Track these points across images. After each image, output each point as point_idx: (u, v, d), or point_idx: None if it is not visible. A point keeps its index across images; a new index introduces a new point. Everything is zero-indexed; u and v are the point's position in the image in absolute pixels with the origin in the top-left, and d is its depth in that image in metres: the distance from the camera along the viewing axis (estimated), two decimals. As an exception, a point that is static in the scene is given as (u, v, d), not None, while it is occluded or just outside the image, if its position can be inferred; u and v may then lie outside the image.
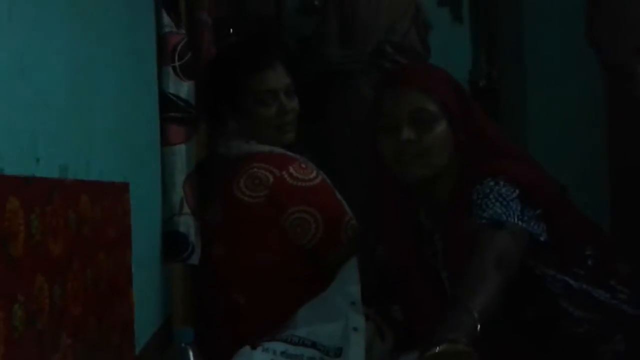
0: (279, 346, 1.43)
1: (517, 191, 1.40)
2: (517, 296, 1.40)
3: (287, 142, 1.84)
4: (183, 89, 1.58)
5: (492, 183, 1.41)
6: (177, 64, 1.57)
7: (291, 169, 1.75)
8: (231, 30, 2.61)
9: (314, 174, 1.78)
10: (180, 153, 1.57)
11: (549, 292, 1.44)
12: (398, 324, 1.63)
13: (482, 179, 1.42)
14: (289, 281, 1.73)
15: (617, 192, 2.47)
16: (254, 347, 1.43)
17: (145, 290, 1.36)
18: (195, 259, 1.61)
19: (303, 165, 1.78)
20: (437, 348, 1.07)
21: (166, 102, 1.55)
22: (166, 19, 1.55)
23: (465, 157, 1.50)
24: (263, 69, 1.83)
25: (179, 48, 1.57)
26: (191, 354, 1.22)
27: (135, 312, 1.24)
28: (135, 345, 1.24)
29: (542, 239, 1.40)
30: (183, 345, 1.22)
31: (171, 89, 1.55)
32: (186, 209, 1.57)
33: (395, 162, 1.49)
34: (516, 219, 1.36)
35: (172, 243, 1.56)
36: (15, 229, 0.73)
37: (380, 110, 1.51)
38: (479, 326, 1.15)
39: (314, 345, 1.43)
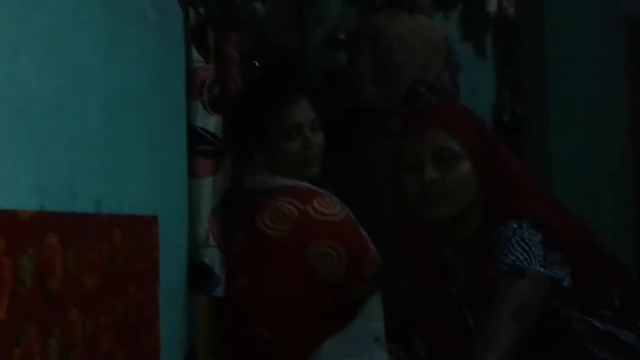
0: (303, 380, 1.44)
1: (541, 235, 1.40)
2: (543, 336, 1.39)
3: (312, 176, 1.86)
4: (211, 122, 1.60)
5: (515, 226, 1.41)
6: (205, 98, 1.59)
7: (315, 203, 1.76)
8: (257, 63, 2.65)
9: (339, 208, 1.78)
10: (207, 186, 1.59)
11: (574, 333, 1.43)
12: (421, 359, 1.62)
13: (506, 220, 1.42)
14: (312, 315, 1.73)
15: None
16: (277, 381, 1.43)
17: (171, 322, 1.38)
18: (220, 291, 1.62)
19: (327, 200, 1.79)
20: None
21: (194, 136, 1.58)
22: (195, 54, 1.59)
23: (489, 195, 1.51)
24: (288, 104, 1.85)
25: (207, 82, 1.60)
26: (216, 387, 1.23)
27: (161, 343, 1.25)
28: (161, 377, 1.25)
29: (565, 284, 1.39)
30: (208, 378, 1.23)
31: (199, 122, 1.58)
32: (212, 241, 1.59)
33: (419, 201, 1.49)
34: (538, 266, 1.36)
35: (198, 275, 1.57)
36: (53, 264, 0.75)
37: (404, 149, 1.52)
38: None
39: (337, 380, 1.43)
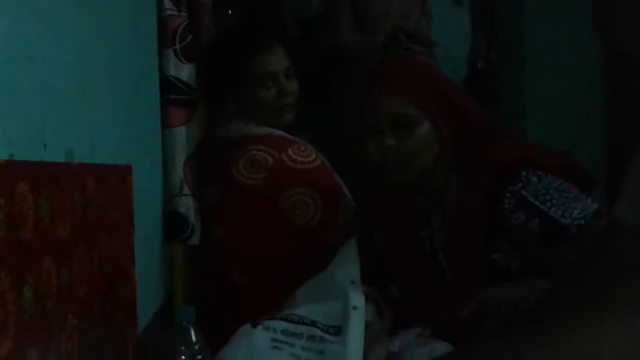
0: (279, 325, 1.45)
1: (557, 178, 1.44)
2: None
3: (286, 124, 1.86)
4: (184, 71, 1.59)
5: (534, 179, 1.44)
6: (177, 46, 1.58)
7: (290, 151, 1.77)
8: (230, 11, 2.61)
9: (313, 156, 1.79)
10: (181, 135, 1.59)
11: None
12: (396, 302, 1.65)
13: (510, 170, 1.44)
14: (288, 262, 1.75)
15: (614, 175, 2.49)
16: (254, 326, 1.45)
17: (147, 271, 1.39)
18: (195, 240, 1.63)
19: (302, 148, 1.79)
20: None
21: (167, 85, 1.56)
22: (167, 2, 1.56)
23: (463, 147, 1.52)
24: (262, 52, 1.84)
25: (179, 31, 1.58)
26: (192, 333, 1.24)
27: (137, 292, 1.27)
28: (137, 325, 1.26)
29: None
30: (184, 324, 1.24)
31: (172, 71, 1.57)
32: (186, 190, 1.59)
33: (382, 167, 1.52)
34: (592, 204, 1.41)
35: (173, 224, 1.58)
36: (24, 213, 0.75)
37: (360, 116, 1.53)
38: None
39: (313, 323, 1.45)
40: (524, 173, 1.44)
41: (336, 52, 2.69)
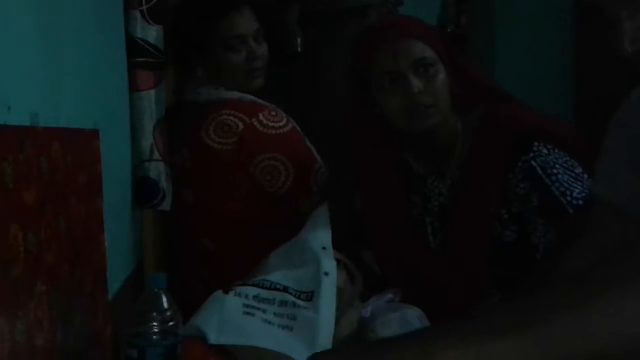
0: (252, 291, 1.45)
1: (565, 154, 1.45)
2: None
3: (256, 88, 1.83)
4: (151, 33, 1.55)
5: (545, 151, 1.44)
6: (144, 7, 1.53)
7: (261, 117, 1.74)
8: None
9: (284, 121, 1.77)
10: (150, 99, 1.56)
11: None
12: (368, 268, 1.66)
13: (524, 139, 1.44)
14: (260, 229, 1.75)
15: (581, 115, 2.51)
16: (226, 292, 1.44)
17: (117, 237, 1.37)
18: (166, 205, 1.61)
19: (273, 113, 1.77)
20: None
21: (134, 48, 1.53)
22: (132, -39, 1.52)
23: (462, 101, 1.51)
24: (231, 14, 1.80)
25: (146, -9, 1.54)
26: (164, 299, 1.23)
27: (107, 258, 1.25)
28: (108, 291, 1.25)
29: None
30: (156, 290, 1.23)
31: (139, 33, 1.53)
32: (156, 155, 1.56)
33: (406, 116, 1.48)
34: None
35: (143, 189, 1.56)
36: (-12, 178, 0.73)
37: (376, 66, 1.49)
38: None
39: (285, 289, 1.45)
40: (536, 144, 1.45)
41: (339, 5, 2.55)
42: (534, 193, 1.45)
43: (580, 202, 1.42)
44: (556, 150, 1.46)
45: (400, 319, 1.39)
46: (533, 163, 1.44)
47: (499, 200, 1.48)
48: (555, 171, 1.44)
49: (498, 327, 0.75)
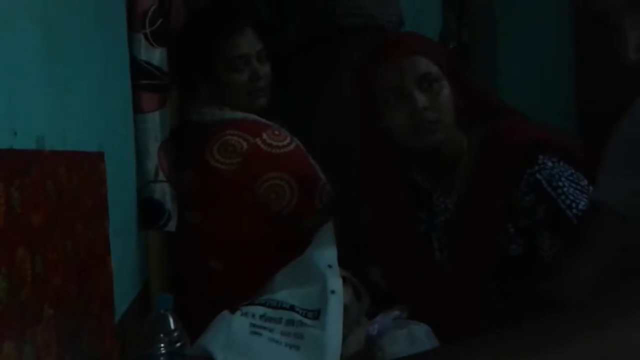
0: (258, 310, 1.45)
1: (571, 167, 1.46)
2: None
3: (259, 108, 1.84)
4: (155, 55, 1.56)
5: (550, 164, 1.45)
6: (148, 30, 1.55)
7: (265, 136, 1.75)
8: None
9: (288, 140, 1.78)
10: (154, 121, 1.57)
11: None
12: (374, 285, 1.65)
13: (527, 153, 1.45)
14: (266, 248, 1.75)
15: (585, 150, 2.51)
16: (232, 312, 1.44)
17: (123, 259, 1.37)
18: (172, 226, 1.61)
19: (276, 132, 1.78)
20: None
21: (138, 70, 1.54)
22: (135, -16, 1.54)
23: (466, 116, 1.52)
24: (234, 35, 1.82)
25: (149, 14, 1.55)
26: (171, 320, 1.23)
27: (114, 280, 1.25)
28: (114, 313, 1.25)
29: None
30: (162, 311, 1.23)
31: (143, 56, 1.54)
32: (161, 176, 1.57)
33: (409, 131, 1.48)
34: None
35: (149, 210, 1.56)
36: (-4, 202, 0.73)
37: (381, 82, 1.49)
38: None
39: (292, 308, 1.44)
40: (540, 157, 1.45)
41: (362, 21, 2.53)
42: (539, 206, 1.45)
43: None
44: (561, 163, 1.46)
45: (407, 335, 1.39)
46: (538, 176, 1.44)
47: (504, 214, 1.48)
48: (560, 184, 1.44)
49: (516, 349, 0.75)
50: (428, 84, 1.47)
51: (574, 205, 1.42)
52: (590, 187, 1.46)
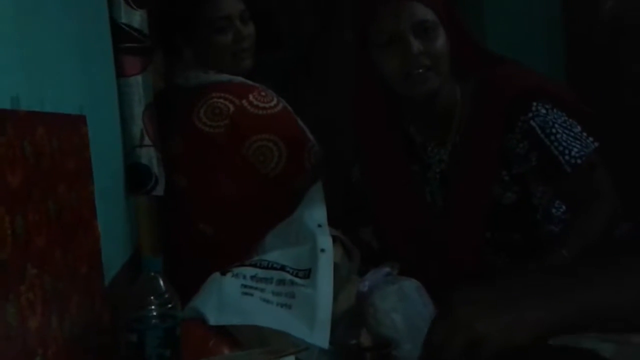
0: (249, 271, 1.45)
1: (564, 113, 1.46)
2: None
3: (245, 69, 1.82)
4: (135, 18, 1.54)
5: (543, 111, 1.44)
6: (127, -8, 1.53)
7: (251, 97, 1.74)
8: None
9: (275, 101, 1.77)
10: (137, 84, 1.55)
11: None
12: (365, 244, 1.65)
13: (522, 99, 1.44)
14: (255, 210, 1.74)
15: (572, 74, 2.49)
16: (223, 274, 1.44)
17: (111, 223, 1.36)
18: (159, 190, 1.61)
19: (263, 93, 1.76)
20: None
21: (119, 33, 1.52)
22: (113, -55, 1.51)
23: (461, 64, 1.50)
24: None
25: (128, -24, 1.53)
26: (161, 282, 1.23)
27: (102, 244, 1.24)
28: (103, 277, 1.25)
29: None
30: (152, 274, 1.23)
31: (123, 18, 1.52)
32: (147, 141, 1.56)
33: (403, 78, 1.46)
34: (592, 145, 1.44)
35: (135, 175, 1.55)
36: (-31, 160, 0.72)
37: (376, 27, 1.47)
38: None
39: (283, 268, 1.45)
40: (534, 103, 1.45)
41: None
42: (532, 152, 1.45)
43: (579, 161, 1.42)
44: (555, 110, 1.46)
45: (397, 291, 1.39)
46: (532, 122, 1.44)
47: (499, 161, 1.48)
48: (554, 130, 1.44)
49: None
50: (424, 31, 1.45)
51: (566, 152, 1.42)
52: (584, 134, 1.45)
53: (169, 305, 1.22)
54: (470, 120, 1.50)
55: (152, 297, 1.20)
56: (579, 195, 1.45)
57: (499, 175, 1.48)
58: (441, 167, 1.55)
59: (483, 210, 1.49)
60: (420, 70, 1.45)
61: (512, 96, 1.46)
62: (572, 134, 1.44)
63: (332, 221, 1.56)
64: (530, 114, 1.44)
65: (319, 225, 1.52)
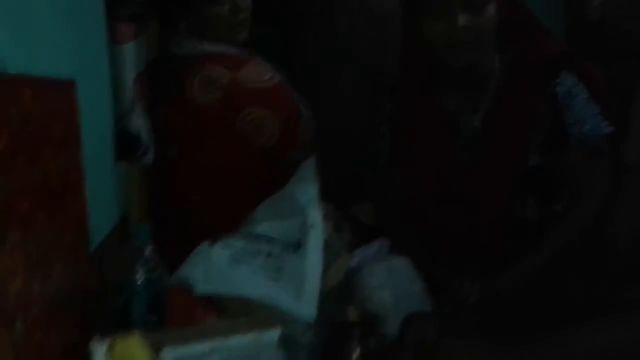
0: (238, 242, 1.44)
1: (587, 92, 1.46)
2: None
3: (241, 40, 1.80)
4: (130, -16, 1.52)
5: (569, 82, 1.46)
6: (122, -42, 1.51)
7: (246, 70, 1.72)
8: None
9: (270, 74, 1.75)
10: (130, 52, 1.54)
11: None
12: (357, 221, 1.65)
13: (552, 67, 1.46)
14: (247, 182, 1.73)
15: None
16: (212, 244, 1.44)
17: (99, 190, 1.35)
18: (148, 159, 1.60)
19: (258, 66, 1.75)
20: None
21: (112, -1, 1.50)
22: None
23: (504, 35, 1.49)
24: None
25: (123, -59, 1.51)
26: (148, 249, 1.23)
27: (89, 211, 1.24)
28: (89, 243, 1.24)
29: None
30: (140, 241, 1.23)
31: (117, -16, 1.50)
32: (137, 109, 1.55)
33: (447, 47, 1.44)
34: (604, 126, 1.45)
35: (125, 143, 1.54)
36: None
37: None
38: None
39: (272, 241, 1.44)
40: (563, 72, 1.46)
41: None
42: (547, 116, 1.47)
43: (586, 139, 1.44)
44: (581, 85, 1.47)
45: (386, 268, 1.39)
46: (557, 88, 1.46)
47: (531, 126, 1.48)
48: (574, 102, 1.46)
49: None
50: (474, 3, 1.43)
51: (577, 125, 1.45)
52: (601, 117, 1.46)
53: (156, 273, 1.22)
54: (502, 87, 1.51)
55: (139, 264, 1.21)
56: (578, 180, 1.46)
57: (529, 139, 1.48)
58: (473, 133, 1.55)
59: (514, 172, 1.50)
60: (464, 41, 1.44)
61: (542, 63, 1.48)
62: (590, 112, 1.46)
63: (324, 197, 1.56)
64: (558, 81, 1.46)
65: (310, 200, 1.52)
